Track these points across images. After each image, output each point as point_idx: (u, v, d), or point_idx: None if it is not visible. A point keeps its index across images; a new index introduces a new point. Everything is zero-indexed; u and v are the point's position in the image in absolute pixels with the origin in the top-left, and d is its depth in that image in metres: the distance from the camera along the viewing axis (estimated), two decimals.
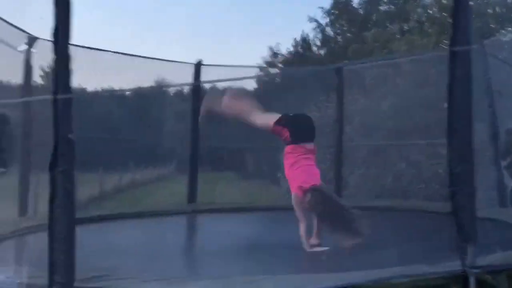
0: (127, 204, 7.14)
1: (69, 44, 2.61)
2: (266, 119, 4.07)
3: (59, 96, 2.56)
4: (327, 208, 3.67)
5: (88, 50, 5.24)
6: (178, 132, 8.08)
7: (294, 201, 3.77)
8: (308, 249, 3.66)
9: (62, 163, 2.57)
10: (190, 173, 6.41)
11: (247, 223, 5.22)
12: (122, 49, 5.30)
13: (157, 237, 4.33)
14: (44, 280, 2.57)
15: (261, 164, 7.95)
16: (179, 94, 7.47)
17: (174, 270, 3.19)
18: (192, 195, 6.33)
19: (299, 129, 3.99)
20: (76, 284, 2.59)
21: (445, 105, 2.88)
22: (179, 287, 2.64)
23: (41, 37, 4.76)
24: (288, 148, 3.94)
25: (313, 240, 3.74)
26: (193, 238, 4.76)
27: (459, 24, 2.90)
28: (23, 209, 4.90)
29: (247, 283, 2.67)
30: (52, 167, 2.56)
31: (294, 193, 3.77)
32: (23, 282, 2.66)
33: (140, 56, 5.92)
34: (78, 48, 4.68)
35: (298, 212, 3.75)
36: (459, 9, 2.92)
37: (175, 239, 4.43)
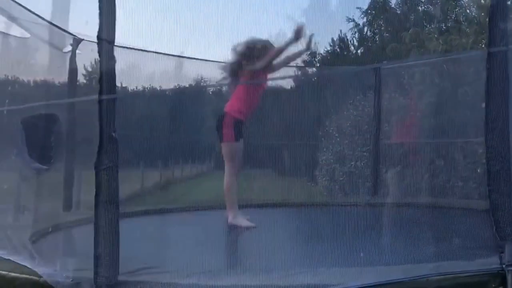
0: (167, 200, 7.28)
1: (114, 45, 2.74)
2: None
3: (104, 97, 2.69)
4: None
5: (128, 50, 5.40)
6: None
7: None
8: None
9: (107, 161, 2.70)
10: None
11: (285, 219, 5.28)
12: (164, 49, 5.36)
13: (199, 231, 4.41)
14: (89, 273, 2.70)
15: (299, 161, 7.99)
16: (218, 93, 7.58)
17: (217, 264, 3.27)
18: None
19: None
20: (120, 277, 2.72)
21: (483, 105, 2.89)
22: (222, 280, 2.72)
23: (85, 38, 4.98)
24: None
25: None
26: (234, 233, 4.84)
27: (496, 24, 2.90)
28: (67, 204, 5.12)
29: (286, 276, 2.74)
30: (97, 164, 2.69)
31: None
32: (70, 275, 2.78)
33: (182, 57, 6.06)
34: (118, 48, 4.84)
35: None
36: (496, 9, 2.91)
37: (217, 234, 4.53)
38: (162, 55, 5.72)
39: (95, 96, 2.68)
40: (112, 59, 2.72)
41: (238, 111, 4.47)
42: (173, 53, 5.88)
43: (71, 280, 2.74)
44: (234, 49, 4.56)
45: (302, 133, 7.69)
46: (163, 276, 2.79)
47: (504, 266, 2.63)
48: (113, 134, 2.71)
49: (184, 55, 6.07)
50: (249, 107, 4.54)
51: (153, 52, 5.46)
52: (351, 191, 7.71)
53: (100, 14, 2.69)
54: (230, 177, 4.43)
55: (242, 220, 4.42)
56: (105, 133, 2.69)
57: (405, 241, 3.51)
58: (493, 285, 2.65)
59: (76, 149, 4.86)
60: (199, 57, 6.30)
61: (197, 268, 2.96)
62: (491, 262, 2.68)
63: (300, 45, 4.50)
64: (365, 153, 7.68)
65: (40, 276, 2.84)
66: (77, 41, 5.08)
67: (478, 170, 5.43)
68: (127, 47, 5.20)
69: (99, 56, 2.70)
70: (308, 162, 7.95)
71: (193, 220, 5.13)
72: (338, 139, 8.26)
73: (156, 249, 3.69)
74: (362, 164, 7.60)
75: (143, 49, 5.43)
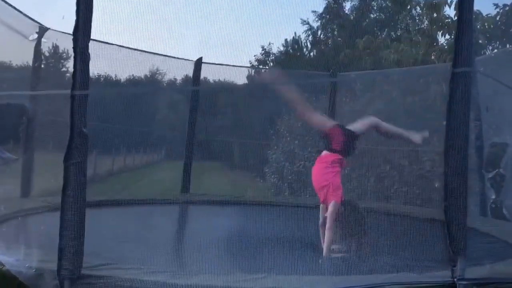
0: (118, 188, 7.17)
1: (88, 41, 2.68)
2: (324, 119, 4.36)
3: (77, 92, 2.63)
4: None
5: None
6: (169, 122, 8.35)
7: (332, 209, 3.83)
8: (330, 255, 3.75)
9: (76, 156, 2.66)
10: (185, 164, 6.57)
11: (241, 217, 5.32)
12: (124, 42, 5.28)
13: (156, 226, 4.38)
14: (52, 265, 2.66)
15: (248, 157, 8.08)
16: (173, 85, 7.53)
17: (176, 263, 3.27)
18: (186, 185, 6.46)
19: (350, 144, 4.12)
20: (83, 271, 2.69)
21: (444, 123, 3.01)
22: (182, 281, 2.73)
23: (51, 27, 4.85)
24: (337, 156, 4.03)
25: (335, 246, 3.88)
26: (190, 229, 4.84)
27: (461, 45, 3.02)
28: (25, 190, 4.98)
29: (249, 280, 2.78)
30: (67, 159, 2.65)
31: (335, 201, 3.85)
32: (32, 265, 2.72)
33: (146, 52, 6.00)
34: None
35: (331, 220, 3.80)
36: (462, 31, 3.04)
37: (175, 229, 4.51)
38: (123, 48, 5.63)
39: (68, 91, 2.61)
40: (86, 56, 2.66)
41: None
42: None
43: (34, 271, 2.69)
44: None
45: (253, 131, 7.78)
46: (124, 273, 2.78)
47: (455, 279, 2.77)
48: (84, 130, 2.66)
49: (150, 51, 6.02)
50: None
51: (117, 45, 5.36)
52: (299, 190, 7.85)
53: (77, 11, 2.63)
54: None
55: None
56: (76, 128, 2.65)
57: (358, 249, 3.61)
58: None
59: (35, 136, 4.73)
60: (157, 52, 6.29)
61: (156, 266, 2.96)
62: (443, 275, 2.82)
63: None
64: (314, 154, 7.83)
65: (2, 265, 2.77)
66: (42, 30, 4.93)
67: (436, 185, 5.66)
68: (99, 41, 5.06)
69: (74, 52, 2.64)
70: (258, 159, 8.05)
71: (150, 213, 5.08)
72: (288, 138, 8.38)
73: (114, 242, 3.65)
74: (311, 164, 7.74)
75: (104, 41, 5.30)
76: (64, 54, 7.50)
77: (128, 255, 3.30)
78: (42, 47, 4.94)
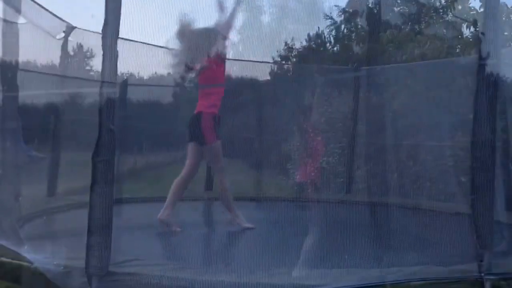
0: (142, 186, 7.25)
1: (116, 39, 2.73)
2: None
3: (105, 90, 2.68)
4: None
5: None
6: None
7: None
8: None
9: (104, 153, 2.71)
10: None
11: (262, 213, 5.35)
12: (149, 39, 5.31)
13: (181, 222, 4.41)
14: (80, 262, 2.71)
15: (270, 154, 8.09)
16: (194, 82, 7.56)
17: (199, 260, 3.31)
18: (208, 183, 6.49)
19: None
20: (110, 268, 2.74)
21: (470, 116, 2.99)
22: (207, 277, 2.76)
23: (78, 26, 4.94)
24: None
25: None
26: (215, 226, 4.88)
27: (487, 37, 3.00)
28: (51, 189, 5.06)
29: (273, 275, 2.80)
30: (95, 156, 2.70)
31: None
32: (61, 263, 2.77)
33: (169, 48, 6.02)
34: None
35: None
36: (488, 24, 3.02)
37: (200, 226, 4.55)
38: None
39: (96, 89, 2.67)
40: (115, 54, 2.71)
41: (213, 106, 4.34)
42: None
43: (62, 268, 2.74)
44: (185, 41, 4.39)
45: (276, 127, 7.79)
46: (150, 269, 2.83)
47: (482, 274, 2.76)
48: (112, 127, 2.71)
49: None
50: (220, 98, 4.42)
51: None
52: (322, 187, 7.83)
53: (106, 9, 2.67)
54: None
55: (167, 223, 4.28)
56: (104, 126, 2.69)
57: (385, 244, 3.60)
58: None
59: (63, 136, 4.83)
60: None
61: (180, 263, 3.01)
62: (470, 270, 2.80)
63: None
64: (337, 150, 7.81)
65: (31, 263, 2.83)
66: (69, 28, 5.02)
67: (462, 179, 5.60)
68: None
69: (103, 50, 2.68)
70: (281, 156, 8.05)
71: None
72: (312, 134, 8.35)
73: (138, 239, 3.70)
74: (335, 160, 7.73)
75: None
76: (89, 53, 7.62)
77: (155, 252, 3.36)
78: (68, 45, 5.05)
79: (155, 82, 7.14)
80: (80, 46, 6.53)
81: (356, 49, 10.07)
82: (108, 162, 2.71)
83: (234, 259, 3.22)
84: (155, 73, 7.04)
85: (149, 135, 7.07)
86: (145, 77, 6.88)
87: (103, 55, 2.68)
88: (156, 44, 5.59)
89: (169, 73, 7.06)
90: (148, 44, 5.29)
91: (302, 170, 4.06)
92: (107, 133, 2.70)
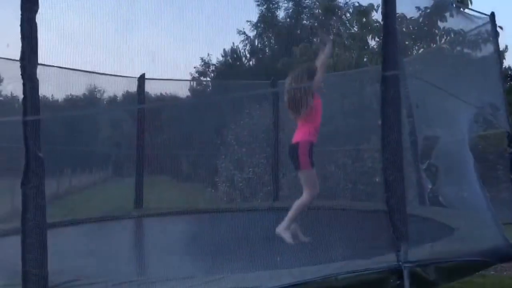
0: (69, 210, 7.11)
1: (36, 67, 2.75)
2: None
3: (29, 118, 2.70)
4: None
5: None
6: (112, 139, 8.36)
7: None
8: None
9: (34, 180, 2.72)
10: (136, 178, 6.65)
11: (195, 225, 5.43)
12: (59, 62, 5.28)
13: (114, 241, 4.42)
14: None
15: (197, 168, 8.21)
16: (114, 103, 7.54)
17: (140, 272, 3.36)
18: (138, 200, 6.52)
19: None
20: None
21: (379, 122, 3.28)
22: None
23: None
24: None
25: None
26: (148, 241, 4.90)
27: (388, 50, 3.31)
28: None
29: (209, 282, 2.91)
30: (24, 183, 2.70)
31: None
32: None
33: (88, 72, 6.02)
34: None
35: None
36: (388, 38, 3.33)
37: (132, 242, 4.56)
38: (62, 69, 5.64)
39: (19, 117, 2.68)
40: (35, 81, 2.73)
41: (312, 134, 4.44)
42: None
43: None
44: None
45: (201, 142, 7.92)
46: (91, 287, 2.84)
47: (400, 263, 3.02)
48: (39, 154, 2.72)
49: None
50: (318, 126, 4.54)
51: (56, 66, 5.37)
52: (251, 196, 8.04)
53: (22, 38, 2.70)
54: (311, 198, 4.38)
55: (288, 236, 4.36)
56: (31, 153, 2.70)
57: (314, 243, 3.81)
58: (391, 280, 3.05)
59: None
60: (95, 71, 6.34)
61: (122, 277, 3.05)
62: (389, 260, 3.06)
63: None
64: (262, 160, 8.06)
65: None
66: None
67: (377, 179, 5.98)
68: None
69: (22, 78, 2.70)
70: (207, 169, 8.19)
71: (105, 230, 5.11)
72: (236, 147, 8.57)
73: (73, 260, 3.68)
74: (260, 170, 7.97)
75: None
76: None
77: (91, 271, 3.36)
78: None
79: (70, 104, 7.04)
80: None
81: (271, 63, 10.44)
82: (38, 188, 2.72)
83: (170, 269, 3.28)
84: (70, 95, 6.96)
85: (68, 159, 6.97)
86: (59, 100, 6.78)
87: (24, 84, 2.70)
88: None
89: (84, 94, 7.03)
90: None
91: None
92: (35, 160, 2.71)
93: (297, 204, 4.32)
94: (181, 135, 7.86)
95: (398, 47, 3.36)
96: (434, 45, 8.34)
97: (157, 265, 3.58)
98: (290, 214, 4.28)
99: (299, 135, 4.42)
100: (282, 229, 4.27)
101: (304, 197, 4.33)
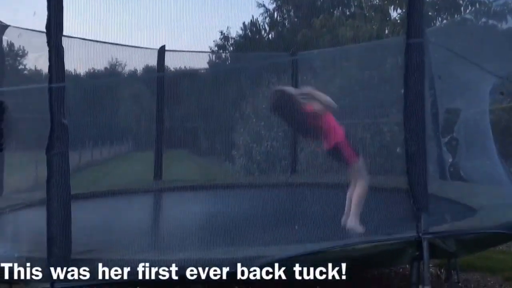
0: (90, 182, 7.21)
1: (62, 34, 2.78)
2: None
3: (54, 85, 2.74)
4: None
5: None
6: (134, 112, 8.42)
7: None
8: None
9: (58, 146, 2.77)
10: (156, 151, 6.68)
11: (214, 198, 5.47)
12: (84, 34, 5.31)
13: (135, 212, 4.49)
14: (41, 253, 2.77)
15: (215, 142, 8.24)
16: (135, 76, 7.57)
17: (160, 243, 3.42)
18: (158, 173, 6.60)
19: None
20: (73, 256, 2.80)
21: (402, 91, 3.24)
22: (169, 256, 2.88)
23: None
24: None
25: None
26: (168, 213, 4.97)
27: (413, 17, 3.24)
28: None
29: (221, 253, 2.96)
30: (49, 149, 2.76)
31: None
32: (22, 255, 2.81)
33: (109, 43, 6.04)
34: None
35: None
36: (413, 5, 3.27)
37: (154, 214, 4.63)
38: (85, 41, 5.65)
39: (46, 85, 2.72)
40: (60, 49, 2.76)
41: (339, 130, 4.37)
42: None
43: (25, 260, 2.78)
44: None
45: (218, 115, 7.93)
46: (113, 255, 2.90)
47: (420, 234, 3.02)
48: (64, 121, 2.76)
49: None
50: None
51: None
52: (268, 170, 8.06)
53: (49, 6, 2.71)
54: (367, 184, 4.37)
55: (361, 228, 4.37)
56: (56, 120, 2.75)
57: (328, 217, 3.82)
58: (410, 251, 3.06)
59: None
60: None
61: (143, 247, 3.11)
62: (409, 231, 3.06)
63: None
64: (280, 133, 8.05)
65: None
66: (3, 27, 4.93)
67: (398, 150, 5.92)
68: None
69: (48, 46, 2.73)
70: (225, 143, 8.21)
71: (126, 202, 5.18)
72: (254, 120, 8.56)
73: (96, 232, 3.76)
74: (278, 144, 7.97)
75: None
76: (20, 52, 7.43)
77: (112, 242, 3.42)
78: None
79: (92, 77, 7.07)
80: (10, 45, 6.37)
81: (291, 35, 10.33)
82: (63, 154, 2.77)
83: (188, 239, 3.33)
84: (92, 68, 6.99)
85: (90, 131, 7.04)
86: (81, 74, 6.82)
87: (49, 52, 2.72)
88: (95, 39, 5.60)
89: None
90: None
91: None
92: (60, 127, 2.75)
93: (357, 194, 4.21)
94: (199, 108, 7.87)
95: (422, 15, 3.30)
96: (458, 16, 8.18)
97: (175, 236, 3.63)
98: (354, 208, 4.16)
99: (332, 138, 4.32)
100: (353, 224, 4.05)
101: (362, 185, 4.23)
